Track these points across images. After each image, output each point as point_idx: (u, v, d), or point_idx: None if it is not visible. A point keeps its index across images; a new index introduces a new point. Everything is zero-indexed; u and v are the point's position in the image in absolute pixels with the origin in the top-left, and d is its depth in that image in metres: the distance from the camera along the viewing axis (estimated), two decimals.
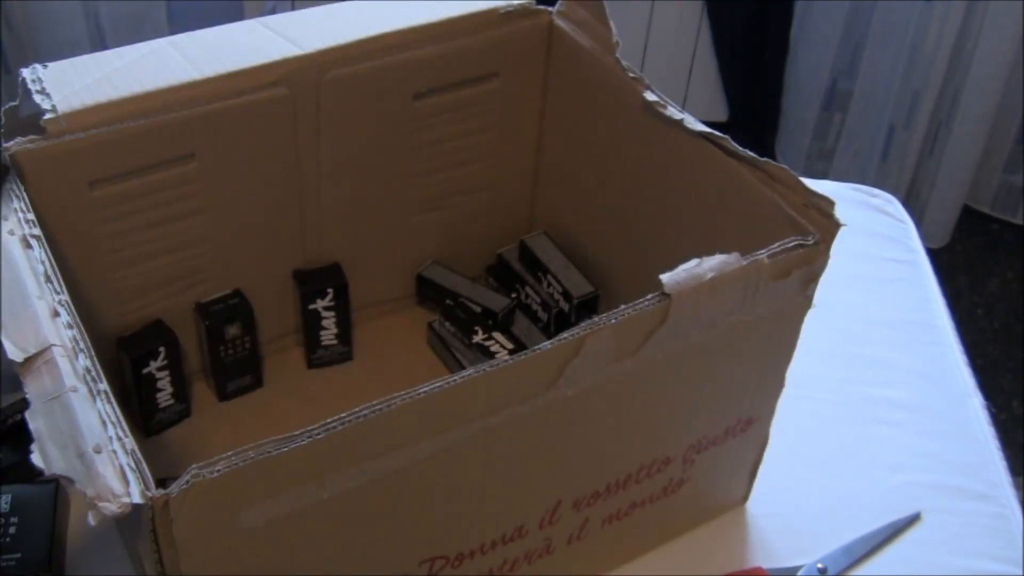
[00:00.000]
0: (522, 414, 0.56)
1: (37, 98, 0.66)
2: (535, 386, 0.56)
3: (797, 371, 0.70)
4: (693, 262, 0.58)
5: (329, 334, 0.84)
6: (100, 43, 1.85)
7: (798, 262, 0.62)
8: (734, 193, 0.68)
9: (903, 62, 1.93)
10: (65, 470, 0.47)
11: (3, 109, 0.66)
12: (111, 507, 0.46)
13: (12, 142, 0.65)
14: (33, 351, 0.51)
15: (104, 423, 0.49)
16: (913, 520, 0.78)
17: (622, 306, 0.56)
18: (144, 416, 0.78)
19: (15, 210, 0.59)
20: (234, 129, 0.73)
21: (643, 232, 0.81)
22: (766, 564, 0.75)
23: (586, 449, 0.63)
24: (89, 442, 0.48)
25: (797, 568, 0.74)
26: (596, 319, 0.55)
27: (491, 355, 0.82)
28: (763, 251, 0.60)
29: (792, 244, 0.61)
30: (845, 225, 0.62)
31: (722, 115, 2.17)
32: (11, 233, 0.58)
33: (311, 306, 0.82)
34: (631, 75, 0.74)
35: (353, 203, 0.82)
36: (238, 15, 1.89)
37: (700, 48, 2.11)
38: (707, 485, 0.74)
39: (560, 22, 0.80)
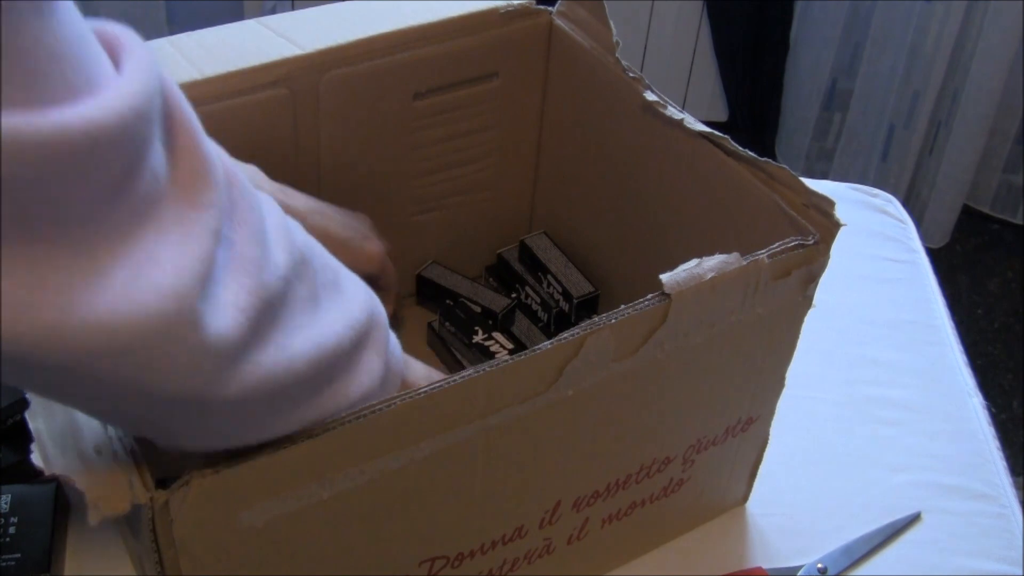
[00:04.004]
0: (522, 414, 0.56)
1: None
2: (535, 386, 0.56)
3: (797, 371, 0.70)
4: (693, 262, 0.58)
5: None
6: None
7: (798, 262, 0.62)
8: (734, 193, 0.68)
9: (903, 62, 1.93)
10: (65, 470, 0.47)
11: None
12: (111, 507, 0.46)
13: None
14: None
15: (103, 423, 0.49)
16: (913, 520, 0.78)
17: (622, 306, 0.56)
18: None
19: None
20: (234, 129, 0.72)
21: (643, 232, 0.81)
22: (766, 564, 0.75)
23: (586, 449, 0.63)
24: (89, 442, 0.48)
25: (797, 568, 0.74)
26: (596, 319, 0.55)
27: (491, 355, 0.82)
28: (763, 251, 0.60)
29: (792, 244, 0.61)
30: (845, 225, 0.62)
31: (722, 115, 2.18)
32: None
33: None
34: (631, 75, 0.74)
35: (353, 203, 0.82)
36: (238, 15, 1.89)
37: (700, 48, 2.11)
38: (707, 485, 0.74)
39: (560, 22, 0.80)
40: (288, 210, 0.67)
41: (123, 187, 0.37)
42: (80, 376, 0.38)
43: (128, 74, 0.38)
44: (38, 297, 0.35)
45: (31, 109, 0.33)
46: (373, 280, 0.76)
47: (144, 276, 0.37)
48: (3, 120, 0.32)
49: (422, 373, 0.61)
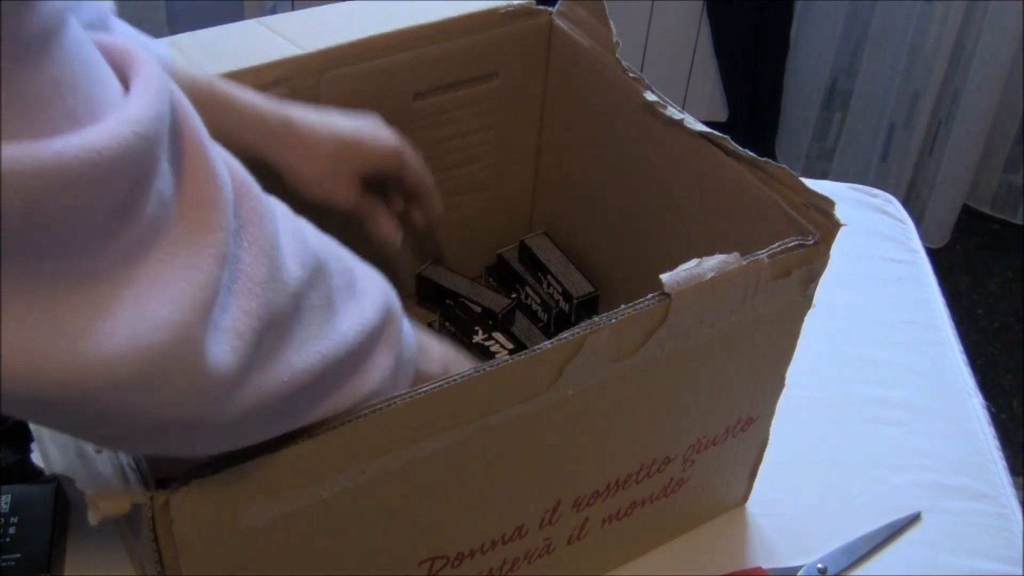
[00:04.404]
0: (522, 414, 0.56)
1: None
2: (535, 386, 0.56)
3: (797, 371, 0.70)
4: (693, 262, 0.58)
5: None
6: None
7: (798, 262, 0.62)
8: (734, 193, 0.68)
9: (903, 62, 1.93)
10: (65, 470, 0.47)
11: None
12: (111, 507, 0.46)
13: None
14: None
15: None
16: (913, 520, 0.78)
17: (622, 306, 0.56)
18: None
19: None
20: None
21: (643, 232, 0.81)
22: (766, 564, 0.75)
23: (586, 449, 0.63)
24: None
25: (797, 568, 0.74)
26: (596, 319, 0.55)
27: (491, 355, 0.82)
28: (763, 251, 0.60)
29: (792, 244, 0.61)
30: (845, 225, 0.62)
31: (722, 115, 2.17)
32: None
33: None
34: (631, 75, 0.74)
35: None
36: (238, 15, 1.89)
37: (700, 48, 2.11)
38: (707, 485, 0.74)
39: (560, 22, 0.80)
40: (293, 126, 0.65)
41: (128, 213, 0.36)
42: (81, 409, 0.37)
43: (136, 95, 0.37)
44: (43, 337, 0.34)
45: (33, 139, 0.33)
46: (397, 179, 0.73)
47: (148, 308, 0.37)
48: (3, 151, 0.32)
49: (437, 356, 0.61)
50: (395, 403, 0.51)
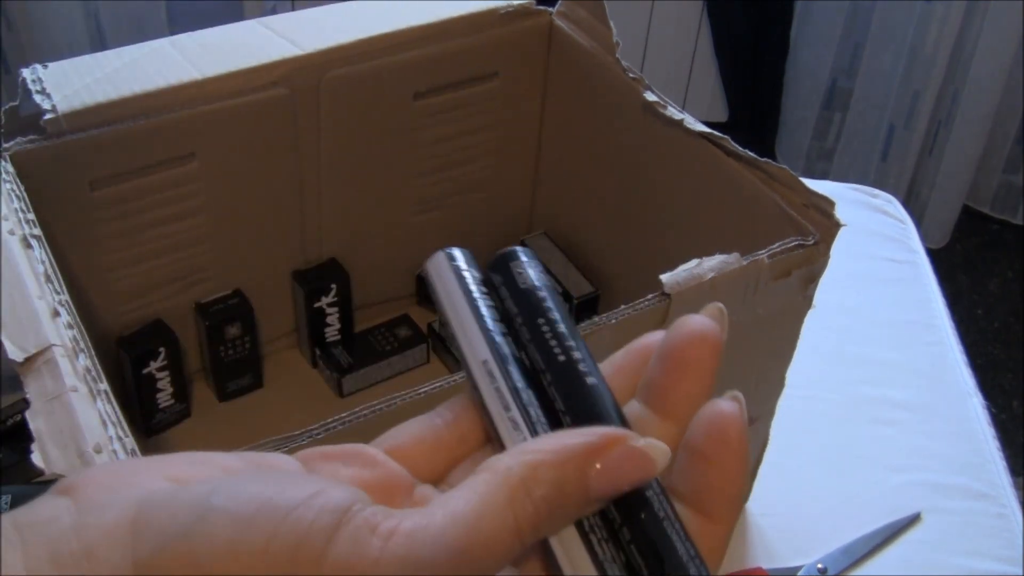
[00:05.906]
0: None
1: (37, 98, 0.66)
2: None
3: (797, 371, 0.70)
4: (693, 262, 0.58)
5: (333, 330, 0.84)
6: (100, 43, 1.85)
7: (798, 262, 0.62)
8: (734, 193, 0.68)
9: (903, 62, 1.93)
10: (65, 470, 0.47)
11: (3, 109, 0.66)
12: None
13: (12, 142, 0.65)
14: (33, 350, 0.51)
15: (104, 423, 0.49)
16: (913, 520, 0.78)
17: (622, 306, 0.56)
18: (144, 416, 0.78)
19: (15, 210, 0.59)
20: (234, 129, 0.73)
21: (643, 232, 0.80)
22: (766, 564, 0.75)
23: None
24: (89, 442, 0.48)
25: (797, 568, 0.74)
26: (596, 319, 0.55)
27: None
28: (763, 251, 0.60)
29: (792, 244, 0.61)
30: (845, 225, 0.62)
31: (722, 115, 2.18)
32: (11, 233, 0.58)
33: (316, 304, 0.82)
34: (631, 75, 0.74)
35: (353, 203, 0.82)
36: (238, 15, 1.89)
37: (700, 48, 2.11)
38: None
39: (560, 22, 0.80)
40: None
41: None
42: None
43: None
44: None
45: None
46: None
47: None
48: None
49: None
50: (395, 403, 0.51)
